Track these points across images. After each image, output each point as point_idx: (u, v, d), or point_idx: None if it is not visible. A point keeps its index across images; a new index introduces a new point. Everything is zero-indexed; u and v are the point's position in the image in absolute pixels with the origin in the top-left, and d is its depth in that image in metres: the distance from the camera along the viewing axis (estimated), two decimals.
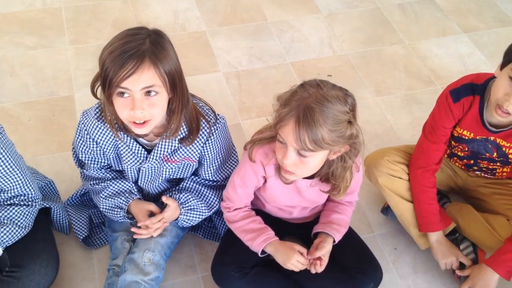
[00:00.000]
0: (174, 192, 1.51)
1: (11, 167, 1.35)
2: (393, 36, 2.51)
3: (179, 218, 1.48)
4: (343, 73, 2.30)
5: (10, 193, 1.38)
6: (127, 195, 1.48)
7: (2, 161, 1.33)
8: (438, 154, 1.58)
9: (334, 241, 1.45)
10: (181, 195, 1.49)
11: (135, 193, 1.49)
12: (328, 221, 1.47)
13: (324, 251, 1.41)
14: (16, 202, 1.40)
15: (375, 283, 1.46)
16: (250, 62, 2.33)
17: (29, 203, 1.42)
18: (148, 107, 1.25)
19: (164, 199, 1.46)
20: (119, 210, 1.47)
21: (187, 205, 1.49)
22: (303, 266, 1.39)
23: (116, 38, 1.24)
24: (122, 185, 1.49)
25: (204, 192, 1.53)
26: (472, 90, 1.47)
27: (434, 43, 2.49)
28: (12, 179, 1.36)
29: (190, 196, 1.49)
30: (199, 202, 1.50)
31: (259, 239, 1.41)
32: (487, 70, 2.32)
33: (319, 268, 1.39)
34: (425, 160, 1.58)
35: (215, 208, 1.54)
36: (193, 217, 1.50)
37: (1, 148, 1.32)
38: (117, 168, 1.50)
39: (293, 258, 1.37)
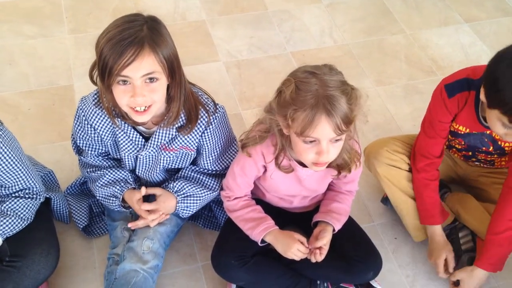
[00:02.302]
0: (169, 181, 1.51)
1: (14, 163, 1.34)
2: (394, 25, 2.50)
3: (177, 207, 1.48)
4: (344, 63, 2.29)
5: (13, 188, 1.38)
6: (122, 184, 1.47)
7: (5, 157, 1.32)
8: (437, 148, 1.57)
9: (334, 230, 1.45)
10: (175, 184, 1.48)
11: (131, 182, 1.49)
12: (328, 210, 1.47)
13: (325, 240, 1.41)
14: (21, 195, 1.40)
15: (374, 271, 1.46)
16: (251, 52, 2.32)
17: (33, 196, 1.42)
18: (148, 94, 1.25)
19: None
20: (114, 199, 1.47)
21: (182, 192, 1.48)
22: (303, 255, 1.39)
23: (112, 25, 1.23)
24: (118, 174, 1.49)
25: (202, 179, 1.52)
26: (467, 86, 1.44)
27: (435, 33, 2.48)
28: (15, 175, 1.36)
29: (184, 183, 1.49)
30: (195, 188, 1.49)
31: (259, 228, 1.41)
32: (488, 60, 2.31)
33: (319, 257, 1.39)
34: (425, 155, 1.57)
35: (215, 192, 1.52)
36: (191, 203, 1.49)
37: (2, 145, 1.31)
38: (115, 156, 1.50)
39: (293, 247, 1.38)
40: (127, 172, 1.50)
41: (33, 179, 1.41)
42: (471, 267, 1.54)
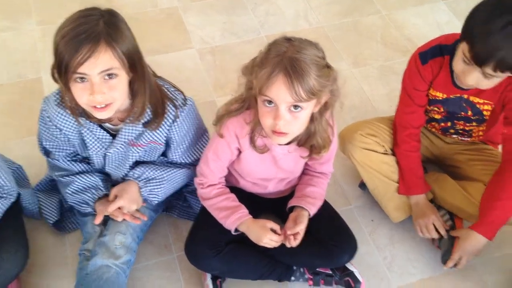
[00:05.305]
0: (129, 171, 1.47)
1: None
2: (370, 6, 2.47)
3: (141, 193, 1.44)
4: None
5: None
6: (93, 191, 1.44)
7: None
8: (415, 117, 1.57)
9: (309, 215, 1.43)
10: (135, 171, 1.45)
11: (102, 188, 1.45)
12: (303, 195, 1.46)
13: (302, 226, 1.39)
14: None
15: (349, 255, 1.45)
16: (224, 38, 2.28)
17: (4, 195, 1.38)
18: (108, 91, 1.21)
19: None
20: (86, 205, 1.45)
21: (143, 177, 1.44)
22: (276, 243, 1.37)
23: (67, 21, 1.19)
24: (88, 180, 1.45)
25: (164, 161, 1.49)
26: (441, 52, 1.46)
27: (411, 12, 2.46)
28: None
29: (143, 168, 1.45)
30: (155, 170, 1.45)
31: (232, 218, 1.39)
32: None
33: (294, 242, 1.37)
34: (404, 125, 1.59)
35: (182, 169, 1.48)
36: (155, 186, 1.45)
37: None
38: (83, 154, 1.46)
39: (265, 238, 1.36)
40: (97, 177, 1.46)
41: (4, 177, 1.36)
42: (466, 229, 1.52)
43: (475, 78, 1.32)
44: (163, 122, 1.36)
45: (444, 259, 1.54)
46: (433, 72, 1.48)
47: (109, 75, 1.20)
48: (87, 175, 1.46)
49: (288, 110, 1.19)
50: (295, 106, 1.19)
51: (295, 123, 1.22)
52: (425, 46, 1.50)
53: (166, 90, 1.38)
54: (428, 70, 1.48)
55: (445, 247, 1.56)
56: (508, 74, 1.30)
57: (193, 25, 2.32)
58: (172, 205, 1.66)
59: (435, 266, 1.60)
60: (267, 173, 1.45)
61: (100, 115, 1.26)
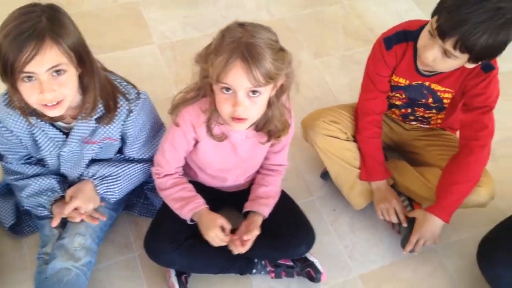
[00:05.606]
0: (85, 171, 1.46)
1: None
2: None
3: (98, 191, 1.42)
4: (281, 37, 2.18)
5: None
6: (49, 193, 1.42)
7: None
8: (377, 103, 1.59)
9: (264, 217, 1.43)
10: (89, 169, 1.43)
11: (57, 190, 1.43)
12: (256, 197, 1.46)
13: (254, 233, 1.38)
14: None
15: (306, 245, 1.46)
16: (185, 32, 2.26)
17: None
18: (58, 88, 1.19)
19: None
20: (42, 209, 1.42)
21: (97, 175, 1.43)
22: (221, 241, 1.37)
23: (9, 18, 1.16)
24: (44, 183, 1.43)
25: (120, 158, 1.47)
26: (405, 37, 1.47)
27: (372, 1, 2.47)
28: None
29: (98, 166, 1.44)
30: (109, 167, 1.44)
31: (187, 208, 1.38)
32: None
33: (241, 249, 1.37)
34: (365, 112, 1.60)
35: (138, 164, 1.47)
36: (111, 183, 1.43)
37: None
38: (37, 156, 1.43)
39: (212, 232, 1.35)
40: (52, 179, 1.44)
41: None
42: (423, 211, 1.54)
43: (434, 54, 1.33)
44: (116, 117, 1.34)
45: (403, 244, 1.57)
46: (397, 57, 1.49)
47: (57, 71, 1.18)
48: (42, 177, 1.43)
49: (246, 96, 1.19)
50: (253, 91, 1.19)
51: (254, 108, 1.22)
52: (390, 32, 1.51)
53: (118, 84, 1.36)
54: (392, 56, 1.49)
55: (404, 232, 1.58)
56: (465, 57, 1.30)
57: (154, 19, 2.29)
58: (132, 203, 1.64)
59: (395, 251, 1.62)
60: (226, 163, 1.43)
61: (52, 113, 1.23)
